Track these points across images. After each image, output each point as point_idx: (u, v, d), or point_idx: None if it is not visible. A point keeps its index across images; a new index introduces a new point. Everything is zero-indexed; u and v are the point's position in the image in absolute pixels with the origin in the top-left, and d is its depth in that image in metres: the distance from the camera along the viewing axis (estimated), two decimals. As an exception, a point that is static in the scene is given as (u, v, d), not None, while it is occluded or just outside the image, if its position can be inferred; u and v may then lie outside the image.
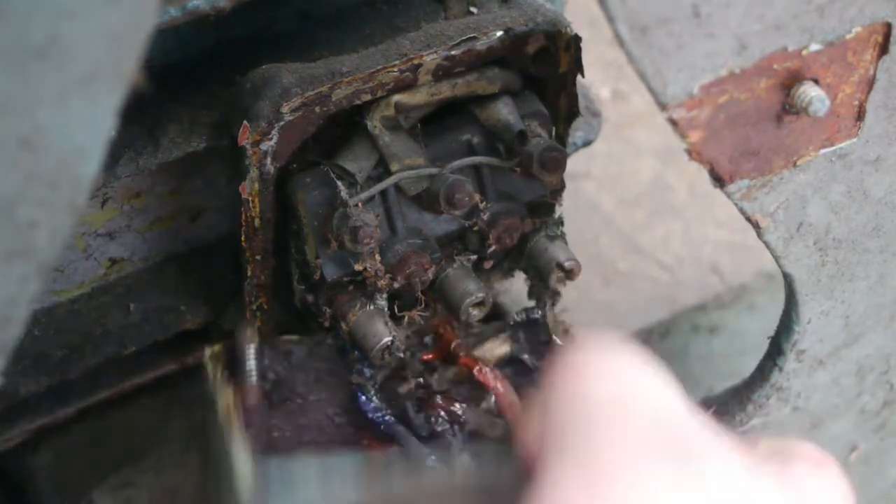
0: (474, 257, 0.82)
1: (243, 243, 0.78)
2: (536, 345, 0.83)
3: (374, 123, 0.77)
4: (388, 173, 0.77)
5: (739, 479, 0.47)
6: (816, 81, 0.65)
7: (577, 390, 0.48)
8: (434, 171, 0.78)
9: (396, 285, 0.78)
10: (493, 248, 0.82)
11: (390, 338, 0.76)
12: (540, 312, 0.83)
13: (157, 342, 0.87)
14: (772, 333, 0.83)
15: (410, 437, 0.78)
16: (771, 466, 0.49)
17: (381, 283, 0.77)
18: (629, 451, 0.45)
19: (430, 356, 0.81)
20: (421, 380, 0.79)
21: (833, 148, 0.70)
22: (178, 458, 0.85)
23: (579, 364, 0.49)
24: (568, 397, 0.48)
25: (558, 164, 0.77)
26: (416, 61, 0.75)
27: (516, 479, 0.52)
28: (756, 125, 0.65)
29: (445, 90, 0.78)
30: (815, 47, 0.63)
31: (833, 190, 0.72)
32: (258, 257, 0.79)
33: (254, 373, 0.75)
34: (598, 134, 1.05)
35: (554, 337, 0.83)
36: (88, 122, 0.43)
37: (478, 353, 0.83)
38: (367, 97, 0.75)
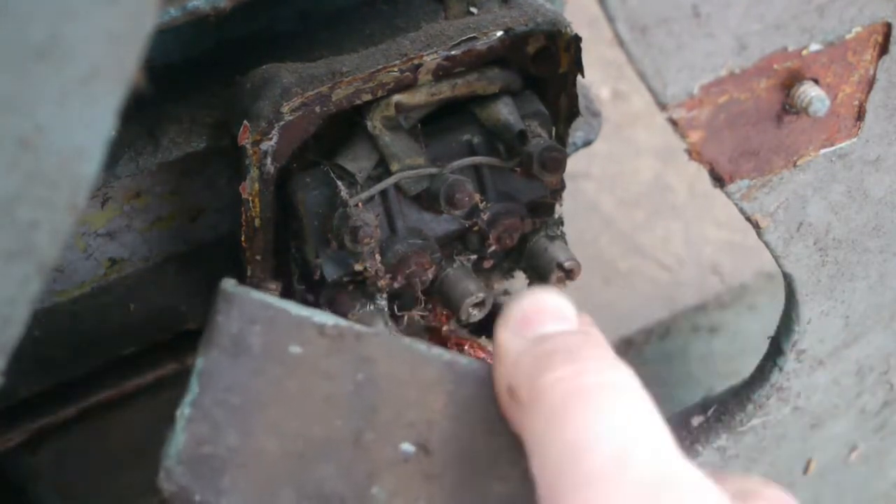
0: (474, 257, 0.82)
1: (243, 243, 0.78)
2: None
3: (374, 123, 0.77)
4: (389, 173, 0.77)
5: None
6: (816, 81, 0.65)
7: (575, 440, 0.46)
8: (434, 171, 0.78)
9: (396, 285, 0.78)
10: (493, 248, 0.82)
11: (390, 338, 0.77)
12: None
13: (157, 342, 0.87)
14: (772, 333, 0.82)
15: None
16: None
17: (381, 283, 0.77)
18: None
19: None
20: None
21: (833, 148, 0.70)
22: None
23: (577, 398, 0.47)
24: (565, 448, 0.46)
25: (558, 164, 0.77)
26: (416, 61, 0.75)
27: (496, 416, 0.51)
28: (756, 125, 0.65)
29: (445, 90, 0.78)
30: (815, 47, 0.63)
31: (833, 190, 0.72)
32: (258, 257, 0.79)
33: None
34: (598, 134, 1.05)
35: None
36: (88, 122, 0.43)
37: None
38: (368, 97, 0.75)
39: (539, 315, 0.51)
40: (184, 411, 0.49)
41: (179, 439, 0.49)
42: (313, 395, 0.50)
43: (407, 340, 0.53)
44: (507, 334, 0.51)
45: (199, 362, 0.50)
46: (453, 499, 0.49)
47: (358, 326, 0.52)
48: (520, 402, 0.49)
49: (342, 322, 0.52)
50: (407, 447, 0.50)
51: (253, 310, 0.51)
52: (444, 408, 0.51)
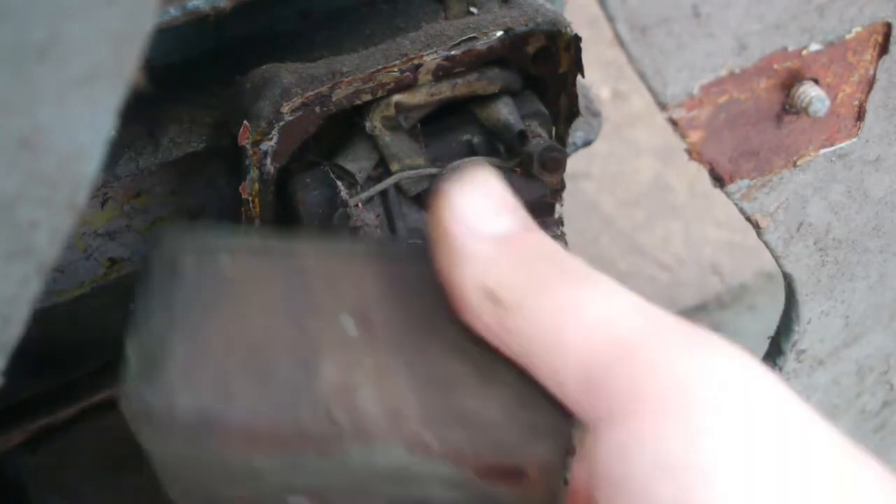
0: (474, 257, 0.82)
1: (243, 243, 0.78)
2: None
3: (373, 123, 0.77)
4: (389, 173, 0.77)
5: None
6: (816, 81, 0.65)
7: (602, 328, 0.48)
8: (434, 171, 0.78)
9: (396, 285, 0.78)
10: (493, 248, 0.81)
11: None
12: None
13: (157, 342, 0.87)
14: (772, 333, 0.82)
15: None
16: None
17: (381, 283, 0.77)
18: None
19: None
20: None
21: (833, 148, 0.70)
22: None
23: (574, 299, 0.48)
24: (595, 347, 0.47)
25: (558, 165, 0.77)
26: (416, 61, 0.75)
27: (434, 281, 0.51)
28: (756, 125, 0.65)
29: (445, 90, 0.78)
30: (815, 47, 0.63)
31: (833, 190, 0.72)
32: (258, 257, 0.79)
33: None
34: (598, 134, 1.05)
35: None
36: (88, 122, 0.43)
37: None
38: (368, 97, 0.76)
39: (489, 208, 0.50)
40: (130, 337, 0.51)
41: (131, 363, 0.50)
42: (252, 300, 0.52)
43: (333, 242, 0.55)
44: (461, 231, 0.50)
45: (138, 292, 0.52)
46: (401, 364, 0.51)
47: (284, 241, 0.54)
48: (506, 306, 0.48)
49: (269, 239, 0.54)
50: (350, 324, 0.52)
51: (183, 241, 0.53)
52: (380, 287, 0.53)
